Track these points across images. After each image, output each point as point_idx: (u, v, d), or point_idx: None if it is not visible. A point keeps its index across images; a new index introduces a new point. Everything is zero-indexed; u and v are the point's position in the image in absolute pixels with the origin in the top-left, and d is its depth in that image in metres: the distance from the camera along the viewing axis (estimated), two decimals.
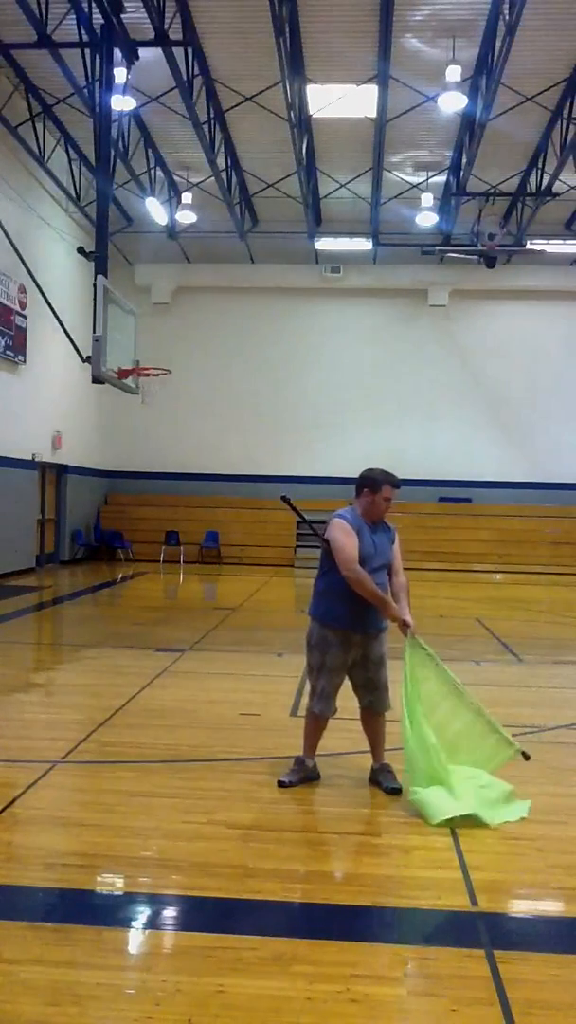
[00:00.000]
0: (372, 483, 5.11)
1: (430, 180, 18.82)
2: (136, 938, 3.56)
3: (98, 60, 12.76)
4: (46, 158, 17.14)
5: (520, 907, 3.95)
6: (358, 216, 20.32)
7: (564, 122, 15.38)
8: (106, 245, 12.89)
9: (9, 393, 16.92)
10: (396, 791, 5.03)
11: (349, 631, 5.09)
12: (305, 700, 5.46)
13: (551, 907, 3.94)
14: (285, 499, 5.40)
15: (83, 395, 19.42)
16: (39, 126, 16.52)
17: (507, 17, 12.21)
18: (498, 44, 12.99)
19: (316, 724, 5.26)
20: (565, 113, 15.25)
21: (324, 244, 21.30)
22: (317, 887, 3.98)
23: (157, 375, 14.97)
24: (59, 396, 19.28)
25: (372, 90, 14.85)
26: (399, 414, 22.78)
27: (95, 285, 12.37)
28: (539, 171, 17.60)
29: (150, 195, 18.45)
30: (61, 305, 14.35)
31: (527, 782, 5.36)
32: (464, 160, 17.01)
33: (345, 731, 5.57)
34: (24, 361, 17.23)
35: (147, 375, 14.61)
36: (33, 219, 17.40)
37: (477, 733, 5.09)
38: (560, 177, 17.08)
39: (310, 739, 5.27)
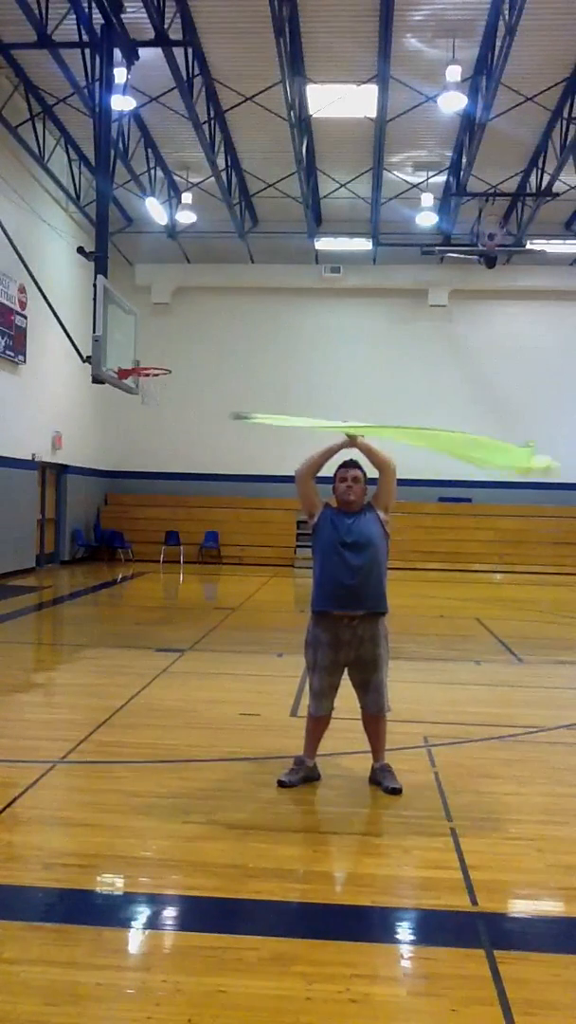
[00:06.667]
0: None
1: (430, 180, 18.83)
2: (136, 938, 3.55)
3: (98, 60, 12.75)
4: (46, 158, 17.14)
5: (520, 907, 3.94)
6: (358, 216, 20.32)
7: (564, 122, 15.38)
8: (106, 245, 12.88)
9: (9, 393, 16.92)
10: (396, 791, 5.03)
11: (332, 611, 5.12)
12: (306, 700, 5.47)
13: (551, 907, 3.94)
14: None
15: (83, 395, 19.41)
16: (39, 126, 16.52)
17: (507, 17, 12.21)
18: (498, 44, 12.99)
19: (313, 724, 5.27)
20: (565, 113, 15.26)
21: (324, 244, 21.31)
22: (317, 887, 3.98)
23: (157, 375, 14.95)
24: (59, 396, 19.29)
25: (372, 90, 14.85)
26: (399, 414, 22.60)
27: (95, 285, 12.35)
28: (539, 171, 17.60)
29: (150, 195, 18.45)
30: (61, 305, 14.35)
31: (528, 782, 5.37)
32: (464, 160, 17.02)
33: (345, 731, 5.57)
34: (24, 361, 17.23)
35: (147, 375, 14.59)
36: (33, 219, 17.40)
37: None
38: (560, 177, 17.08)
39: (310, 739, 5.27)
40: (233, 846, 4.28)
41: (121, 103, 13.95)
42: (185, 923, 3.68)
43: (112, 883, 4.04)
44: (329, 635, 5.14)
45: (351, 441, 5.37)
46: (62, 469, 20.31)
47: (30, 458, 17.90)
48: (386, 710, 5.22)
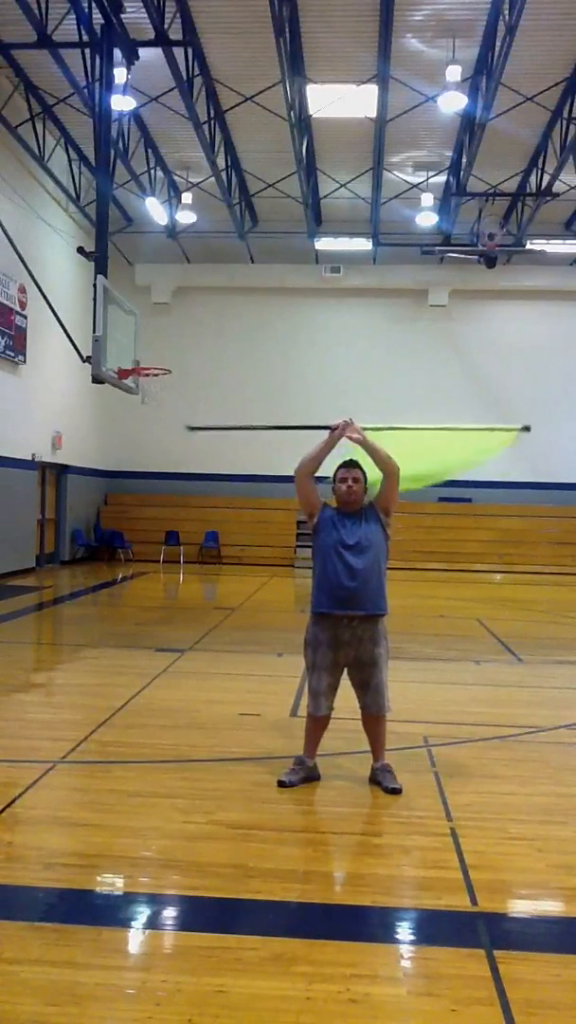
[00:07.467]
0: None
1: (430, 180, 18.83)
2: (136, 938, 3.56)
3: (98, 60, 12.75)
4: (46, 158, 17.15)
5: (520, 907, 3.94)
6: (358, 216, 20.32)
7: (564, 122, 15.38)
8: (106, 245, 12.88)
9: (9, 393, 16.92)
10: (396, 791, 5.03)
11: (332, 612, 5.12)
12: (306, 700, 5.47)
13: (551, 907, 3.94)
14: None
15: (83, 395, 19.42)
16: (39, 126, 16.52)
17: (507, 17, 12.21)
18: (498, 44, 12.99)
19: (313, 724, 5.27)
20: (565, 113, 15.25)
21: (324, 244, 21.31)
22: (317, 887, 3.98)
23: (157, 375, 14.95)
24: (59, 396, 19.29)
25: (372, 90, 14.85)
26: (399, 414, 22.57)
27: (95, 285, 12.35)
28: (539, 171, 17.61)
29: (150, 195, 18.45)
30: (61, 305, 14.34)
31: (528, 782, 5.37)
32: (464, 160, 17.02)
33: (345, 731, 5.57)
34: (24, 361, 17.23)
35: (147, 375, 14.59)
36: (33, 219, 17.39)
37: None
38: (560, 177, 17.09)
39: (309, 739, 5.27)
40: (233, 846, 4.28)
41: (121, 103, 13.94)
42: (185, 923, 3.68)
43: (112, 883, 4.04)
44: (328, 635, 5.15)
45: (341, 432, 5.31)
46: (62, 469, 20.31)
47: (30, 458, 17.90)
48: (386, 710, 5.22)
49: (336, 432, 5.34)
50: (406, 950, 3.48)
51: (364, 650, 5.14)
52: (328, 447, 5.35)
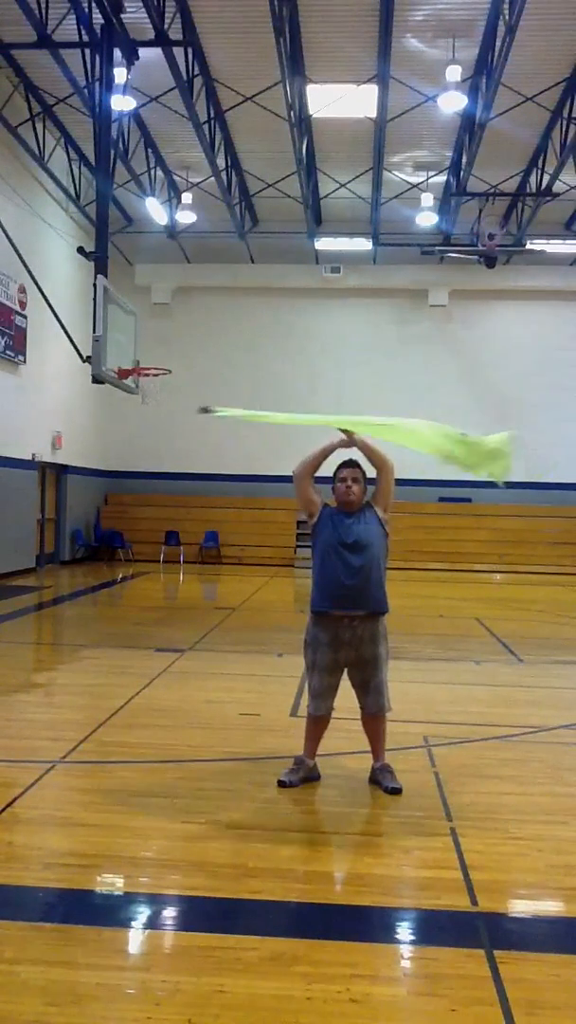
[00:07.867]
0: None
1: (430, 180, 18.83)
2: (136, 938, 3.55)
3: (98, 60, 12.75)
4: (46, 158, 17.15)
5: (520, 907, 3.94)
6: (358, 216, 20.32)
7: (564, 122, 15.39)
8: (106, 245, 12.88)
9: (9, 393, 16.92)
10: (396, 791, 5.03)
11: (332, 611, 5.12)
12: (306, 700, 5.47)
13: (551, 907, 3.93)
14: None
15: (83, 395, 19.41)
16: (39, 126, 16.52)
17: (507, 17, 12.21)
18: (498, 44, 12.99)
19: (313, 724, 5.27)
20: (565, 113, 15.26)
21: (324, 244, 21.31)
22: (317, 887, 3.98)
23: (157, 375, 14.95)
24: (59, 396, 19.28)
25: (372, 90, 14.84)
26: (398, 414, 22.66)
27: (95, 285, 12.36)
28: (539, 171, 17.61)
29: (150, 195, 18.45)
30: (61, 305, 14.35)
31: (528, 782, 5.37)
32: (464, 160, 17.02)
33: (345, 731, 5.57)
34: (24, 361, 17.23)
35: (147, 375, 14.59)
36: (33, 219, 17.39)
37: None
38: (560, 177, 17.09)
39: (309, 739, 5.27)
40: (233, 846, 4.28)
41: (121, 103, 13.94)
42: (185, 923, 3.68)
43: (112, 883, 4.04)
44: (328, 635, 5.14)
45: (348, 439, 5.35)
46: (62, 469, 20.31)
47: (30, 458, 17.90)
48: (387, 709, 5.22)
49: (336, 441, 5.35)
50: (406, 950, 3.48)
51: (365, 650, 5.13)
52: (328, 452, 5.35)
